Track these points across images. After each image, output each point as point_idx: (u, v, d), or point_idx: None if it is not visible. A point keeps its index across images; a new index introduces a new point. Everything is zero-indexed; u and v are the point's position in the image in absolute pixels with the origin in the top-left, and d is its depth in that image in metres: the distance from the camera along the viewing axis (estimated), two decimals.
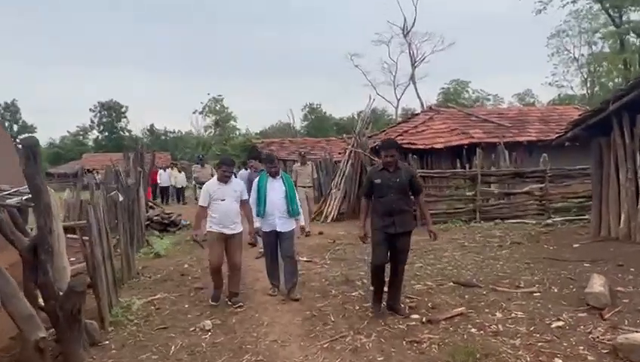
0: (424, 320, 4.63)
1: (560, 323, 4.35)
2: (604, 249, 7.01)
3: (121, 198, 7.12)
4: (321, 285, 6.07)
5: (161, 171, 17.70)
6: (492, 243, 8.19)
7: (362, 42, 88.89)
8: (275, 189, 5.61)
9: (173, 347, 4.32)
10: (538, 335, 4.12)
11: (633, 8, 32.68)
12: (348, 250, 8.23)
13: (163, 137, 59.18)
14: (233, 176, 5.67)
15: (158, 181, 17.43)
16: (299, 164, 10.50)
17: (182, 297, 5.91)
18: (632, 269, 5.90)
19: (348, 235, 9.53)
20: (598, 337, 4.01)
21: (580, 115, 8.90)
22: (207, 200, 5.35)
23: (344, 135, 15.03)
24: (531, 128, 15.75)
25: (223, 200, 5.30)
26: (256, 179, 5.78)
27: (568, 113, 16.85)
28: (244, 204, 5.51)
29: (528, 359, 3.70)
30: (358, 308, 5.09)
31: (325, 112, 54.82)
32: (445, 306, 4.98)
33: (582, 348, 3.86)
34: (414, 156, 11.14)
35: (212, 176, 8.35)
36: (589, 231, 8.24)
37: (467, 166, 12.69)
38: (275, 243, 5.64)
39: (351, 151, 12.47)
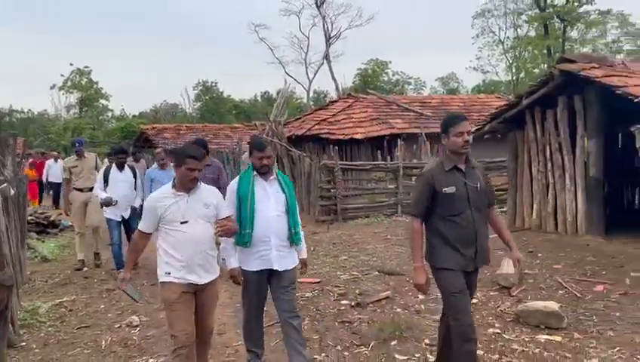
0: (353, 303, 5.84)
1: (474, 301, 5.76)
2: (517, 238, 8.73)
3: (12, 192, 7.48)
4: None
5: (50, 163, 16.08)
6: None
7: (269, 11, 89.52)
8: (270, 198, 4.00)
9: (103, 342, 5.08)
10: (417, 318, 5.45)
11: None
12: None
13: (7, 118, 54.94)
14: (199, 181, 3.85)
15: (45, 176, 16.07)
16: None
17: (94, 299, 6.59)
18: (539, 255, 7.64)
19: None
20: (505, 309, 5.50)
21: (497, 108, 10.78)
22: (155, 223, 3.68)
23: (256, 122, 15.99)
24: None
25: (185, 222, 3.63)
26: (234, 182, 4.10)
27: (490, 103, 19.39)
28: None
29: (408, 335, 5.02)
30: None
31: (222, 92, 54.46)
32: (372, 292, 6.24)
33: (491, 318, 5.31)
34: (335, 147, 12.44)
35: (97, 169, 8.25)
36: (505, 221, 10.11)
37: (389, 158, 14.33)
38: (265, 291, 4.12)
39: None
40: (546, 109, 8.87)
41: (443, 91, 54.08)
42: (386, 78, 52.70)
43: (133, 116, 48.44)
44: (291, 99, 51.48)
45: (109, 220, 7.66)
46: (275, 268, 3.99)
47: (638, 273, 6.37)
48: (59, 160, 16.04)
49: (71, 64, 47.07)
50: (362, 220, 11.42)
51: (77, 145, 8.64)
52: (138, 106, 59.60)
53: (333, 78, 42.63)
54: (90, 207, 8.31)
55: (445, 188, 3.47)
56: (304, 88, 46.77)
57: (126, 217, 7.66)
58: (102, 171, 7.74)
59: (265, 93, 56.57)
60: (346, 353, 4.64)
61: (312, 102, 46.01)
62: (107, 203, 7.42)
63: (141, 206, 7.42)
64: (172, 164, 3.91)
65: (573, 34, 41.83)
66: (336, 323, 5.34)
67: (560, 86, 8.40)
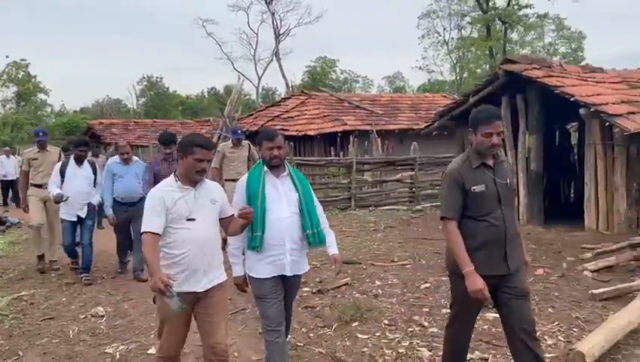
0: (314, 290, 6.13)
1: (427, 285, 6.19)
2: None
3: None
4: None
5: (2, 158, 15.21)
6: (368, 227, 10.14)
7: (217, 6, 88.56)
8: (282, 199, 3.62)
9: (70, 332, 5.14)
10: (410, 294, 5.90)
11: None
12: None
13: None
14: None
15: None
16: (229, 144, 8.22)
17: (54, 292, 6.58)
18: None
19: None
20: None
21: (445, 106, 11.32)
22: (164, 219, 3.21)
23: (210, 118, 16.02)
24: (402, 116, 18.55)
25: (192, 219, 3.26)
26: (243, 179, 3.68)
27: (437, 101, 20.15)
28: (227, 223, 3.47)
29: (403, 310, 5.41)
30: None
31: (168, 88, 53.63)
32: (331, 279, 6.55)
33: (443, 300, 5.70)
34: (291, 143, 12.69)
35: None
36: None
37: (341, 153, 14.73)
38: (282, 303, 3.65)
39: (219, 137, 13.58)
40: None
41: (390, 90, 55.28)
42: (334, 76, 53.40)
43: (75, 112, 46.97)
44: (240, 95, 51.20)
45: (62, 221, 7.04)
46: (288, 274, 3.60)
47: (573, 258, 6.95)
48: (11, 155, 15.37)
49: (7, 56, 45.08)
50: None
51: (40, 135, 7.64)
52: (79, 102, 57.59)
53: (283, 75, 42.82)
54: (48, 205, 7.49)
55: (474, 187, 3.21)
56: (253, 85, 46.76)
57: (82, 216, 6.95)
58: (58, 165, 7.05)
59: (212, 88, 56.12)
60: (311, 334, 4.91)
61: (260, 99, 45.98)
62: (58, 199, 6.77)
63: (100, 204, 7.23)
64: (177, 155, 3.40)
65: (514, 36, 43.73)
66: (300, 309, 5.60)
67: (504, 85, 8.97)
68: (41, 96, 48.04)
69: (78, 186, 6.88)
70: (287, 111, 17.14)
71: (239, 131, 8.51)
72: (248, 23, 51.78)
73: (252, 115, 19.04)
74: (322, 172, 13.05)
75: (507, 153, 9.27)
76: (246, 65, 63.05)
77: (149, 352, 4.56)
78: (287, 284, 3.68)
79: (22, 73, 46.10)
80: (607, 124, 7.55)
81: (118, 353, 4.62)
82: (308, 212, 3.66)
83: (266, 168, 3.64)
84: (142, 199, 5.94)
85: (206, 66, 76.74)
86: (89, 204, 7.00)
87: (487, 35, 39.59)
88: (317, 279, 6.63)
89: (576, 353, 4.03)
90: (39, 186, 7.47)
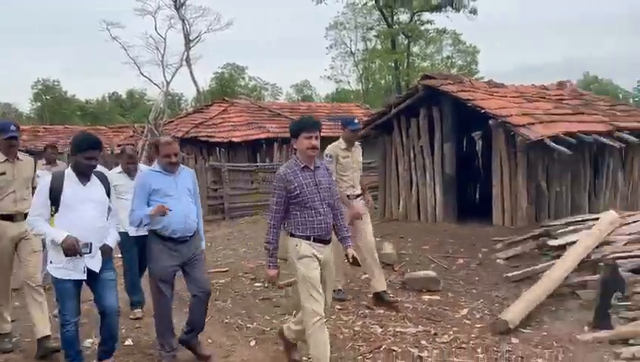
0: (266, 284, 6.66)
1: (365, 276, 6.93)
2: (389, 227, 10.22)
3: None
4: None
5: None
6: None
7: (122, 9, 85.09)
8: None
9: None
10: (353, 284, 6.60)
11: (403, 9, 41.31)
12: None
13: None
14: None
15: None
16: (343, 147, 5.83)
17: None
18: (409, 240, 9.06)
19: None
20: (392, 280, 6.71)
21: (368, 116, 12.24)
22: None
23: (135, 124, 15.92)
24: (322, 124, 19.38)
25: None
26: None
27: (352, 111, 21.26)
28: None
29: (351, 297, 6.10)
30: None
31: (66, 92, 50.93)
32: (281, 276, 7.09)
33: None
34: (222, 149, 13.03)
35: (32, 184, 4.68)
36: (377, 214, 11.58)
37: (267, 160, 15.26)
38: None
39: (144, 143, 13.65)
40: (410, 118, 10.43)
41: (298, 98, 56.32)
42: (243, 83, 53.41)
43: None
44: (141, 101, 49.39)
45: (59, 282, 3.92)
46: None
47: (487, 249, 8.00)
48: None
49: None
50: (249, 218, 12.20)
51: (12, 129, 4.52)
52: None
53: (194, 81, 42.27)
54: (22, 249, 4.60)
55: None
56: (162, 90, 45.72)
57: (96, 269, 3.97)
58: (45, 184, 3.99)
59: (113, 93, 54.18)
60: (274, 321, 5.46)
61: (164, 106, 45.10)
62: (73, 251, 3.82)
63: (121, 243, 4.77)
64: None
65: (416, 49, 46.37)
66: (258, 301, 6.13)
67: (422, 98, 9.98)
68: None
69: (86, 219, 3.93)
70: (210, 118, 17.42)
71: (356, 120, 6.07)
72: (155, 27, 52.64)
73: (173, 121, 19.07)
74: (252, 178, 13.51)
75: (425, 159, 10.30)
76: (153, 71, 61.39)
77: None
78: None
79: None
80: (512, 133, 8.75)
81: None
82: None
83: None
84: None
85: (110, 71, 73.52)
86: (104, 248, 4.03)
87: (392, 48, 41.68)
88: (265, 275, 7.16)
89: (501, 321, 4.93)
90: (10, 218, 4.55)
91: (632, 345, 4.42)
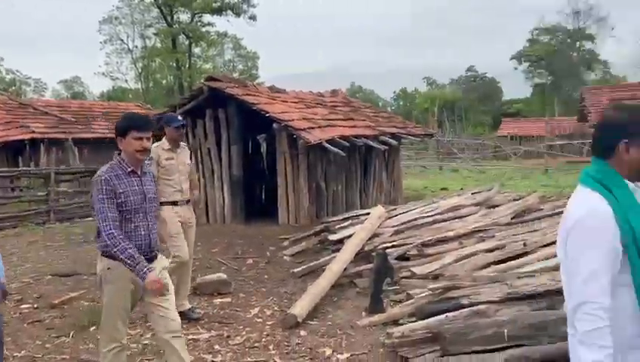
0: (35, 306, 5.90)
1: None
2: None
3: None
4: None
5: None
6: (77, 239, 9.78)
7: None
8: None
9: None
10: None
11: (183, 9, 40.52)
12: None
13: None
14: None
15: None
16: (166, 148, 5.37)
17: None
18: (199, 243, 8.84)
19: None
20: None
21: (152, 117, 11.69)
22: None
23: None
24: (96, 124, 17.94)
25: None
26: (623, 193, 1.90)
27: (132, 110, 20.09)
28: None
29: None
30: None
31: None
32: (52, 293, 6.35)
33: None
34: None
35: None
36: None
37: (31, 164, 13.53)
38: None
39: None
40: (196, 119, 10.27)
41: (67, 95, 51.65)
42: None
43: None
44: None
45: None
46: None
47: (274, 247, 8.29)
48: None
49: None
50: (10, 231, 10.66)
51: (180, 119, 5.55)
52: None
53: None
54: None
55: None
56: None
57: None
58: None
59: None
60: (48, 345, 4.87)
61: None
62: None
63: None
64: None
65: (197, 50, 45.97)
66: (26, 325, 5.39)
67: (208, 100, 9.91)
68: None
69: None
70: None
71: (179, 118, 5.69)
72: None
73: None
74: (13, 185, 11.82)
75: (212, 161, 10.24)
76: None
77: None
78: None
79: None
80: (294, 136, 9.21)
81: None
82: None
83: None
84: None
85: None
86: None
87: (174, 48, 40.67)
88: (35, 295, 6.34)
89: (290, 315, 5.13)
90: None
91: (402, 324, 4.98)
